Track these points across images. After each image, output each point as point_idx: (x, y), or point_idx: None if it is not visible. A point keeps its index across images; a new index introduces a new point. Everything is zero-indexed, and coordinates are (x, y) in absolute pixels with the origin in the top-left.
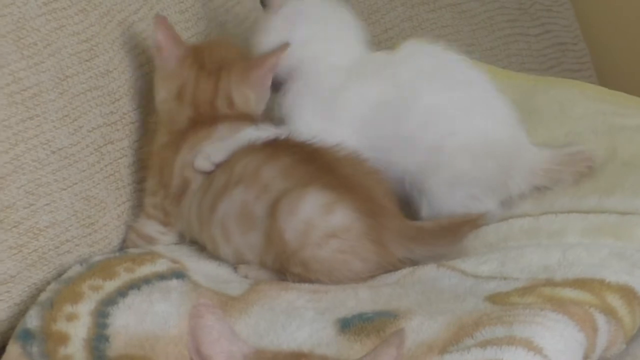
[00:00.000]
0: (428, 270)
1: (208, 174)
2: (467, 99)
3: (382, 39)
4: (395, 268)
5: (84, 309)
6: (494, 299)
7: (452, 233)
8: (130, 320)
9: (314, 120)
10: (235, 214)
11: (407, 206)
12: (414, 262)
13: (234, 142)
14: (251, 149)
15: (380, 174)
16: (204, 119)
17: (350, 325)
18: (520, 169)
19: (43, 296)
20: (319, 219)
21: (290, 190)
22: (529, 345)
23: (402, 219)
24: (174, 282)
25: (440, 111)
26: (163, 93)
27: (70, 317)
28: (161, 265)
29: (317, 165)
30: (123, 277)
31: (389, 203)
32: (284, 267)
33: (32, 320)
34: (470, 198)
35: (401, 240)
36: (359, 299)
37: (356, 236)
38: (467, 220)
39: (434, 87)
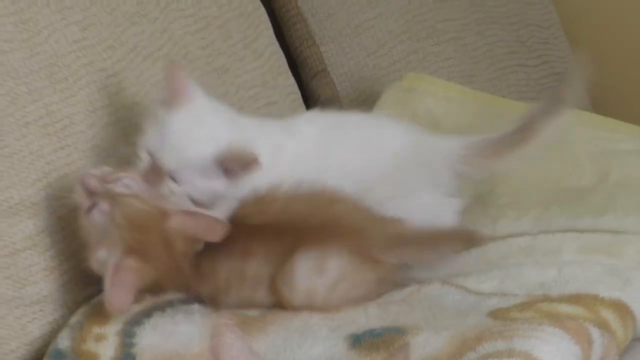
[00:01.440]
0: (433, 288)
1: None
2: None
3: (390, 70)
4: (394, 275)
5: (112, 330)
6: (495, 314)
7: (438, 244)
8: (155, 339)
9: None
10: (238, 305)
11: None
12: (409, 267)
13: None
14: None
15: (333, 193)
16: None
17: (361, 341)
18: (439, 160)
19: (73, 319)
20: (318, 282)
21: (279, 270)
22: (528, 358)
23: (383, 225)
24: (196, 305)
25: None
26: None
27: (99, 338)
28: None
29: (286, 230)
30: (148, 301)
31: (362, 215)
32: None
33: (64, 341)
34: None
35: (388, 247)
36: (369, 316)
37: (353, 270)
38: (458, 236)
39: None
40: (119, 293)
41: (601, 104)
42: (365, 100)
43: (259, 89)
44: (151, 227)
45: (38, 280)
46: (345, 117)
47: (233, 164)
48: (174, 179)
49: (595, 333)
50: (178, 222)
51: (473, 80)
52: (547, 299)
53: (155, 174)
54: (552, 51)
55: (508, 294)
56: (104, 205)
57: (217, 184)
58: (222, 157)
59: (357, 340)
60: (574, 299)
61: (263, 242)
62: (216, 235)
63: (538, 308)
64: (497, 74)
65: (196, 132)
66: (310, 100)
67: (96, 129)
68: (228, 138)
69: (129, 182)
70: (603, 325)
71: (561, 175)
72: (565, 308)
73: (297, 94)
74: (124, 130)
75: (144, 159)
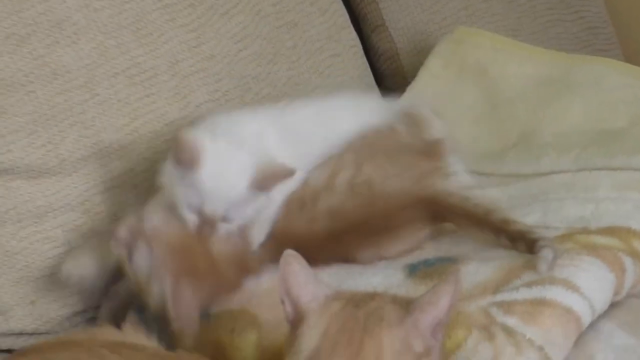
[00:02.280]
0: None
1: None
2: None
3: (443, 25)
4: None
5: None
6: None
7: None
8: None
9: None
10: None
11: None
12: None
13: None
14: None
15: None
16: None
17: (417, 270)
18: None
19: None
20: None
21: None
22: (567, 284)
23: None
24: None
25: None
26: None
27: None
28: None
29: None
30: None
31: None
32: None
33: None
34: None
35: None
36: (423, 248)
37: None
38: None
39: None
40: (184, 317)
41: (632, 54)
42: (419, 52)
43: (324, 42)
44: (190, 247)
45: (126, 215)
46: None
47: (269, 182)
48: (226, 222)
49: (628, 262)
50: (218, 245)
51: (517, 33)
52: (585, 231)
53: (207, 226)
54: (588, 7)
55: (549, 226)
56: (141, 246)
57: (261, 202)
58: (258, 182)
59: (413, 270)
60: (609, 231)
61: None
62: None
63: (577, 239)
64: (539, 28)
65: (226, 173)
66: (370, 52)
67: (178, 79)
68: (252, 161)
69: (153, 217)
70: (635, 255)
71: (598, 118)
72: (601, 239)
73: (359, 47)
74: (202, 80)
75: (191, 219)
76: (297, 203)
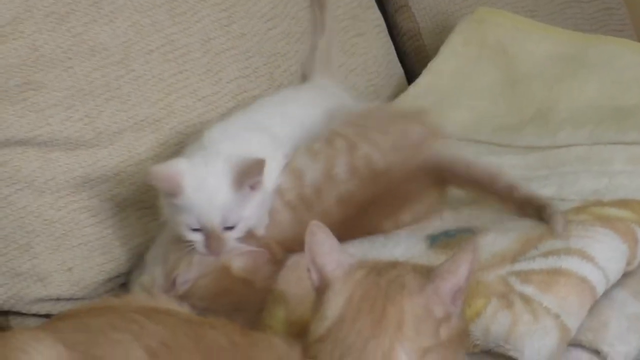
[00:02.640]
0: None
1: None
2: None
3: (463, 5)
4: None
5: None
6: None
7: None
8: None
9: None
10: None
11: None
12: None
13: None
14: None
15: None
16: None
17: (437, 241)
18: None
19: None
20: None
21: None
22: (582, 254)
23: None
24: None
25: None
26: None
27: None
28: None
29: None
30: None
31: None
32: None
33: None
34: None
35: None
36: (443, 219)
37: None
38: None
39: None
40: None
41: None
42: (441, 31)
43: (350, 22)
44: (226, 285)
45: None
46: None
47: (245, 177)
48: (229, 229)
49: None
50: (239, 265)
51: (535, 14)
52: (599, 203)
53: (214, 240)
54: None
55: (565, 199)
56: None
57: (255, 199)
58: (235, 180)
59: (434, 240)
60: (622, 203)
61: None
62: (263, 259)
63: (591, 211)
64: (556, 9)
65: (206, 184)
66: (394, 31)
67: (210, 56)
68: (227, 165)
69: (184, 277)
70: None
71: (612, 95)
72: (614, 212)
73: (383, 26)
74: (233, 57)
75: (196, 238)
76: (302, 205)
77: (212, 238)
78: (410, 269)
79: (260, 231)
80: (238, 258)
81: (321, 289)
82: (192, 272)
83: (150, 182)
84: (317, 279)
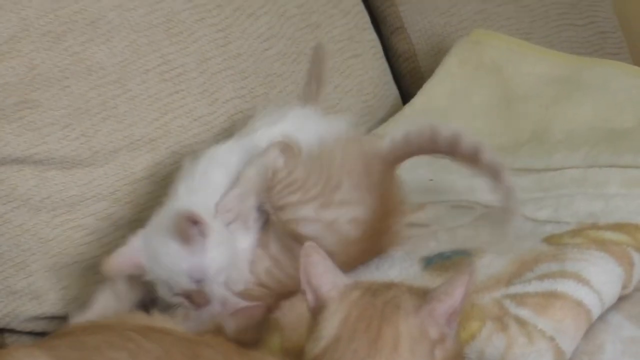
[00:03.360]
0: (496, 215)
1: None
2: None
3: (459, 27)
4: None
5: None
6: (550, 240)
7: None
8: None
9: None
10: None
11: None
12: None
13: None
14: None
15: None
16: None
17: (432, 263)
18: None
19: None
20: None
21: None
22: (578, 277)
23: None
24: None
25: None
26: None
27: None
28: None
29: None
30: None
31: None
32: None
33: None
34: None
35: None
36: (439, 241)
37: None
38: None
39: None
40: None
41: None
42: (436, 53)
43: (346, 43)
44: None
45: (154, 205)
46: None
47: (184, 230)
48: (209, 283)
49: (636, 257)
50: (230, 327)
51: (530, 37)
52: (595, 226)
53: (195, 296)
54: (598, 12)
55: (561, 221)
56: None
57: (211, 242)
58: (179, 233)
59: (430, 262)
60: (618, 227)
61: None
62: (260, 313)
63: (587, 235)
64: (551, 32)
65: (161, 251)
66: (389, 53)
67: (206, 76)
68: (171, 224)
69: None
70: None
71: (607, 117)
72: (610, 235)
73: (379, 47)
74: (230, 77)
75: (180, 301)
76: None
77: (192, 296)
78: (406, 290)
79: (240, 286)
80: (230, 319)
81: (317, 310)
82: (189, 326)
83: (111, 272)
84: (313, 299)
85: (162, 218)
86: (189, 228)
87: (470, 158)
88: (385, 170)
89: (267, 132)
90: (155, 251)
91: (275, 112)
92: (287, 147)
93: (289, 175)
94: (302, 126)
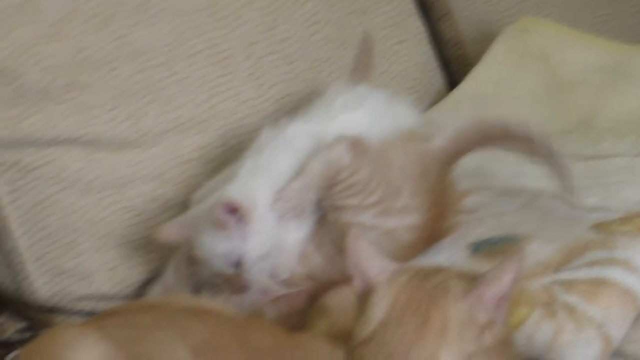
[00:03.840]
0: (543, 201)
1: None
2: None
3: (505, 15)
4: None
5: None
6: (598, 227)
7: None
8: None
9: None
10: None
11: None
12: None
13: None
14: None
15: None
16: None
17: (480, 249)
18: None
19: None
20: None
21: None
22: (627, 265)
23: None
24: None
25: None
26: None
27: None
28: None
29: None
30: None
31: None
32: None
33: None
34: None
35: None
36: (486, 227)
37: None
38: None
39: None
40: None
41: None
42: (483, 40)
43: (391, 29)
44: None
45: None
46: None
47: (215, 217)
48: (248, 269)
49: None
50: (271, 314)
51: (577, 24)
52: None
53: (232, 281)
54: None
55: (609, 209)
56: None
57: (251, 230)
58: (212, 220)
59: (477, 248)
60: None
61: None
62: (302, 300)
63: (635, 223)
64: (598, 20)
65: (202, 233)
66: (436, 39)
67: (253, 60)
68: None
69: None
70: None
71: None
72: None
73: (424, 34)
74: (276, 62)
75: (220, 282)
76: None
77: (230, 280)
78: (454, 275)
79: (284, 275)
80: (271, 306)
81: (364, 295)
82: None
83: (163, 240)
84: (361, 284)
85: (218, 192)
86: (224, 217)
87: (523, 144)
88: (441, 172)
89: (343, 119)
90: (198, 228)
91: (352, 94)
92: (355, 144)
93: (352, 175)
94: (379, 117)
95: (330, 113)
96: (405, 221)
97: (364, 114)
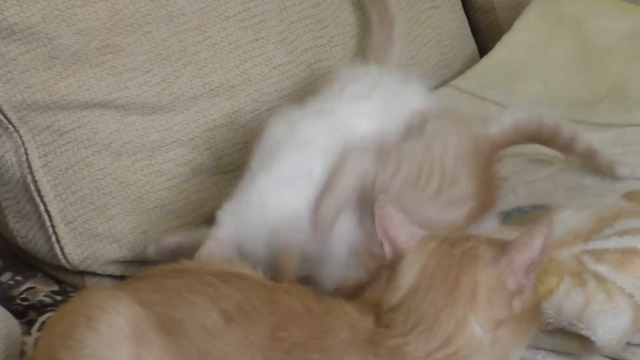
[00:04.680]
0: (573, 170)
1: None
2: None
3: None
4: None
5: None
6: (629, 196)
7: None
8: None
9: None
10: None
11: None
12: None
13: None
14: None
15: None
16: None
17: (511, 217)
18: None
19: None
20: None
21: None
22: None
23: None
24: None
25: None
26: None
27: None
28: None
29: None
30: None
31: None
32: None
33: None
34: None
35: None
36: (517, 195)
37: None
38: None
39: None
40: None
41: None
42: (515, 6)
43: None
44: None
45: (233, 152)
46: None
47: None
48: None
49: None
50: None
51: None
52: None
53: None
54: None
55: None
56: None
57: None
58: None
59: (508, 217)
60: None
61: None
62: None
63: None
64: None
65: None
66: (468, 5)
67: (286, 24)
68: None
69: None
70: None
71: None
72: None
73: (458, 0)
74: (309, 26)
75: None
76: None
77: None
78: (484, 241)
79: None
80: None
81: (394, 261)
82: None
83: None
84: (390, 251)
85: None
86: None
87: (567, 146)
88: (492, 156)
89: (356, 109)
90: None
91: (362, 79)
92: (378, 151)
93: (395, 175)
94: (393, 103)
95: (337, 99)
96: (465, 209)
97: (374, 107)
